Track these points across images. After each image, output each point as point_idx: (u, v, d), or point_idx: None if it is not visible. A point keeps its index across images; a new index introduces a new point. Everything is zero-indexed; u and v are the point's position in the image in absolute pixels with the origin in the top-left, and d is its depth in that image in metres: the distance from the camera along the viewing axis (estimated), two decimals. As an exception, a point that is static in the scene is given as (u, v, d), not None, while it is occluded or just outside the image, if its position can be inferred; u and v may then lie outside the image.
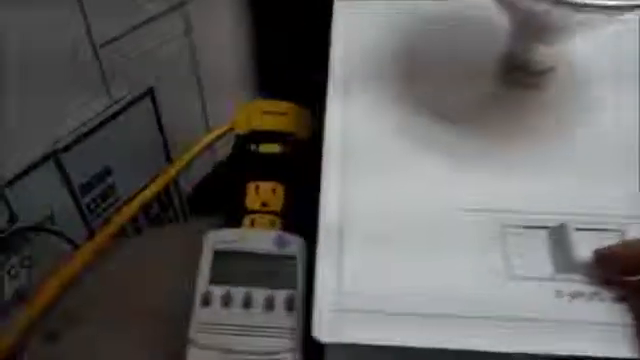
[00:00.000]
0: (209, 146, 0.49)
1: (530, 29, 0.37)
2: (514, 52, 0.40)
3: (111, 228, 0.48)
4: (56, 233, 0.52)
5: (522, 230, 0.34)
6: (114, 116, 0.54)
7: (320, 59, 0.42)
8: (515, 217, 0.35)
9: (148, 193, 0.51)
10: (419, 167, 0.37)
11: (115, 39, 0.51)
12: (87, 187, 0.54)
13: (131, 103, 0.57)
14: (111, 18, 0.49)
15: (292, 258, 0.37)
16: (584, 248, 0.33)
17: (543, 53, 0.39)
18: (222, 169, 0.51)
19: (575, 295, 0.32)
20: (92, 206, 0.56)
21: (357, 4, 0.46)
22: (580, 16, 0.32)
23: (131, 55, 0.54)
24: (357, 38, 0.44)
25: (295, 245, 0.38)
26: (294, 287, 0.36)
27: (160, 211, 0.66)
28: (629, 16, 0.32)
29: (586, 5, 0.31)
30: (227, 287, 0.36)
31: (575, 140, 0.39)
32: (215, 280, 0.36)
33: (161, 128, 0.62)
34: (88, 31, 0.47)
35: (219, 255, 0.37)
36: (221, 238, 0.37)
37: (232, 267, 0.36)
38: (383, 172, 0.37)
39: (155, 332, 0.39)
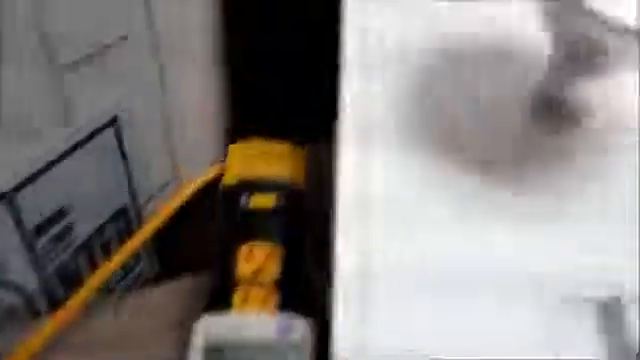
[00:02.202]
0: (192, 199, 0.42)
1: (574, 62, 0.32)
2: (550, 90, 0.34)
3: (82, 296, 0.41)
4: (7, 285, 0.48)
5: (566, 303, 0.29)
6: (73, 149, 0.50)
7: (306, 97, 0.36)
8: (559, 284, 0.30)
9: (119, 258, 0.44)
10: (445, 218, 0.32)
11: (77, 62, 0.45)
12: (41, 229, 0.50)
13: (92, 135, 0.52)
14: (76, 39, 0.44)
15: (297, 347, 0.31)
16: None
17: (582, 91, 0.33)
18: (196, 223, 0.44)
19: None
20: (48, 248, 0.52)
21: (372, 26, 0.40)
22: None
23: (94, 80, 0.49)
24: (371, 73, 0.38)
25: (300, 331, 0.31)
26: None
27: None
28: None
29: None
30: (224, 388, 0.29)
31: (615, 189, 0.34)
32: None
33: (126, 165, 0.58)
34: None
35: (212, 349, 0.30)
36: (212, 327, 0.30)
37: (228, 363, 0.30)
38: (405, 222, 0.32)
39: None
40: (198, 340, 0.30)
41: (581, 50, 0.31)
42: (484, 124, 0.36)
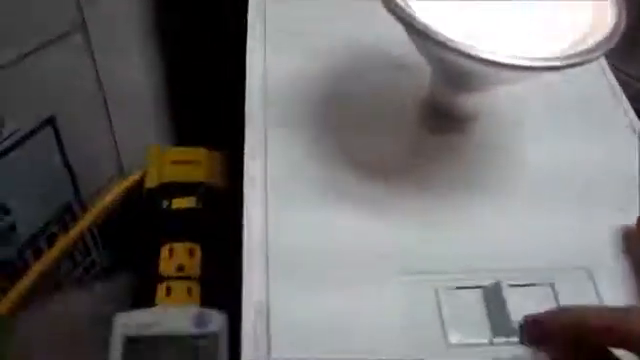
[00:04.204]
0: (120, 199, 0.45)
1: (451, 77, 0.35)
2: (437, 98, 0.38)
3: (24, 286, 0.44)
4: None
5: (456, 291, 0.33)
6: (8, 150, 0.51)
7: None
8: (447, 277, 0.33)
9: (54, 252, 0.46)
10: (343, 221, 0.34)
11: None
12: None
13: (29, 135, 0.53)
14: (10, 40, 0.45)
15: (214, 337, 0.34)
16: (518, 307, 0.31)
17: (465, 100, 0.37)
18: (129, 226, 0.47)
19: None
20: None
21: (274, 41, 0.42)
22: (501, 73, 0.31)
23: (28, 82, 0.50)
24: (276, 76, 0.41)
25: (216, 322, 0.34)
26: (217, 369, 0.33)
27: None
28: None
29: (502, 64, 0.28)
30: (142, 380, 0.32)
31: (501, 188, 0.37)
32: (128, 373, 0.33)
33: (67, 161, 0.59)
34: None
35: (131, 342, 0.33)
36: (132, 322, 0.34)
37: (147, 355, 0.33)
38: (306, 225, 0.34)
39: None
40: (117, 334, 0.33)
41: (454, 75, 0.34)
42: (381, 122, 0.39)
